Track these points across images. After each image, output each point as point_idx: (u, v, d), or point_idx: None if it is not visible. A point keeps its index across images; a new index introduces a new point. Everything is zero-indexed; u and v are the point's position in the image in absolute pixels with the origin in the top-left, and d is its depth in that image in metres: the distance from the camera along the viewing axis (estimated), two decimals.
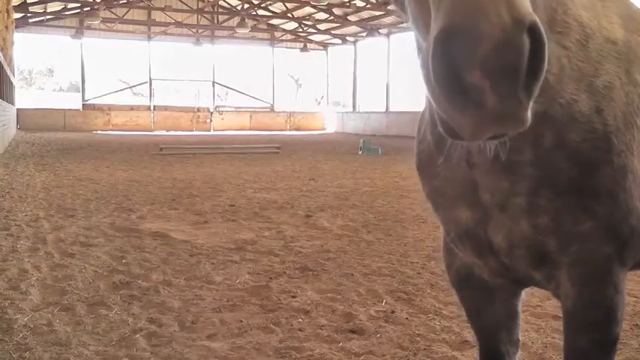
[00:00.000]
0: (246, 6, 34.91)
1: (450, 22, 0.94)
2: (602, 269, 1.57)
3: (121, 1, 33.27)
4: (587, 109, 1.48)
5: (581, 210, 1.50)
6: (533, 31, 0.95)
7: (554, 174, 1.49)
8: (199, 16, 37.56)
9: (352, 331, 3.78)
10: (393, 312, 4.13)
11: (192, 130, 37.41)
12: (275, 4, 35.61)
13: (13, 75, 33.86)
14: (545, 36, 0.97)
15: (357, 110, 39.75)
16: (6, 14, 22.01)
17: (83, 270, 5.09)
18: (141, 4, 35.13)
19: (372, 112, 36.94)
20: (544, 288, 1.78)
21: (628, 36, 1.63)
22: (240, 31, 34.15)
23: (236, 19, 35.00)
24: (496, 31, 0.92)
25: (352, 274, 5.05)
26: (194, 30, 39.02)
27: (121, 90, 46.83)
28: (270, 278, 4.94)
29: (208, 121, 39.44)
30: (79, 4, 32.76)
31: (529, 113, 1.01)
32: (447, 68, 0.96)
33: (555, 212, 1.51)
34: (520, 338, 1.99)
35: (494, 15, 0.92)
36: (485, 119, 0.99)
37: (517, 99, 0.97)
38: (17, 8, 30.00)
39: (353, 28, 37.28)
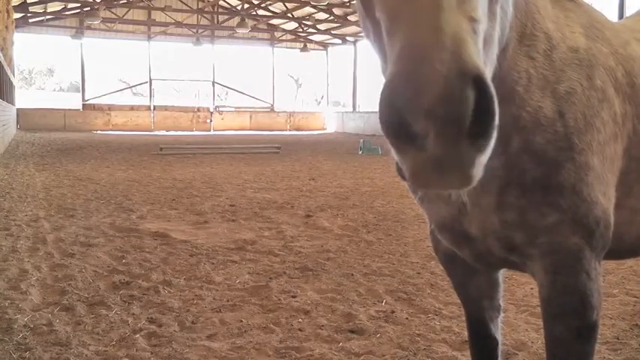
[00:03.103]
0: (246, 6, 34.92)
1: (396, 71, 0.97)
2: (573, 258, 1.68)
3: (121, 1, 33.26)
4: (551, 113, 1.62)
5: (547, 205, 1.63)
6: (478, 84, 0.96)
7: (521, 174, 1.63)
8: (199, 16, 37.56)
9: (352, 331, 3.78)
10: (393, 312, 4.13)
11: (192, 130, 37.41)
12: (275, 4, 35.60)
13: (13, 75, 33.87)
14: (492, 90, 0.97)
15: (357, 110, 39.75)
16: (6, 14, 22.01)
17: (83, 270, 5.09)
18: (141, 4, 35.12)
19: (372, 112, 36.86)
20: (524, 272, 1.90)
21: (589, 43, 1.75)
22: (240, 31, 34.13)
23: (236, 19, 35.00)
24: (439, 83, 0.93)
25: (352, 274, 5.05)
26: (194, 30, 39.02)
27: (121, 90, 46.87)
28: (270, 278, 4.94)
29: (208, 121, 39.43)
30: (79, 4, 32.77)
31: (475, 170, 0.99)
32: (394, 116, 0.98)
33: (522, 209, 1.65)
34: (502, 304, 2.18)
35: (437, 66, 0.94)
36: (426, 164, 1.00)
37: (459, 148, 0.97)
38: (17, 8, 30.00)
39: (353, 28, 37.26)
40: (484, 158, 1.01)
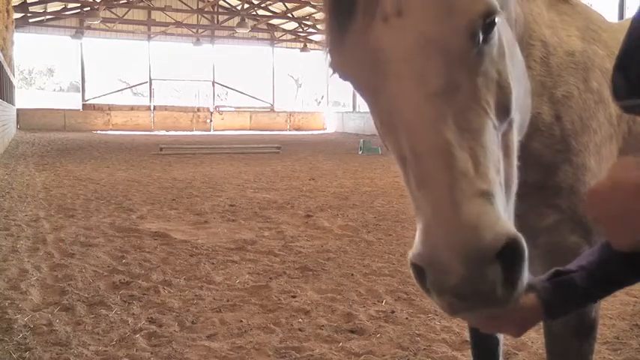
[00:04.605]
0: (246, 6, 34.91)
1: (421, 256, 1.02)
2: (572, 257, 1.70)
3: (121, 1, 33.28)
4: (549, 118, 1.64)
5: (546, 206, 1.66)
6: (504, 251, 0.99)
7: (520, 180, 1.64)
8: (199, 16, 37.56)
9: (352, 331, 3.78)
10: (393, 312, 4.13)
11: (192, 130, 37.39)
12: (275, 4, 35.61)
13: (13, 75, 33.87)
14: (523, 249, 1.02)
15: (357, 110, 39.73)
16: (6, 14, 22.01)
17: (83, 270, 5.09)
18: (141, 4, 35.13)
19: None
20: None
21: (585, 46, 1.76)
22: (240, 31, 34.14)
23: (236, 19, 35.00)
24: (461, 267, 0.96)
25: (352, 274, 5.05)
26: (194, 30, 39.01)
27: (121, 90, 46.84)
28: (270, 278, 4.94)
29: (208, 121, 39.40)
30: (79, 4, 32.75)
31: (516, 292, 1.04)
32: (424, 287, 1.05)
33: (522, 211, 1.67)
34: None
35: (460, 250, 0.96)
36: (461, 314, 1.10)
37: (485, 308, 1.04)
38: (17, 8, 29.99)
39: None
40: (522, 281, 1.04)
